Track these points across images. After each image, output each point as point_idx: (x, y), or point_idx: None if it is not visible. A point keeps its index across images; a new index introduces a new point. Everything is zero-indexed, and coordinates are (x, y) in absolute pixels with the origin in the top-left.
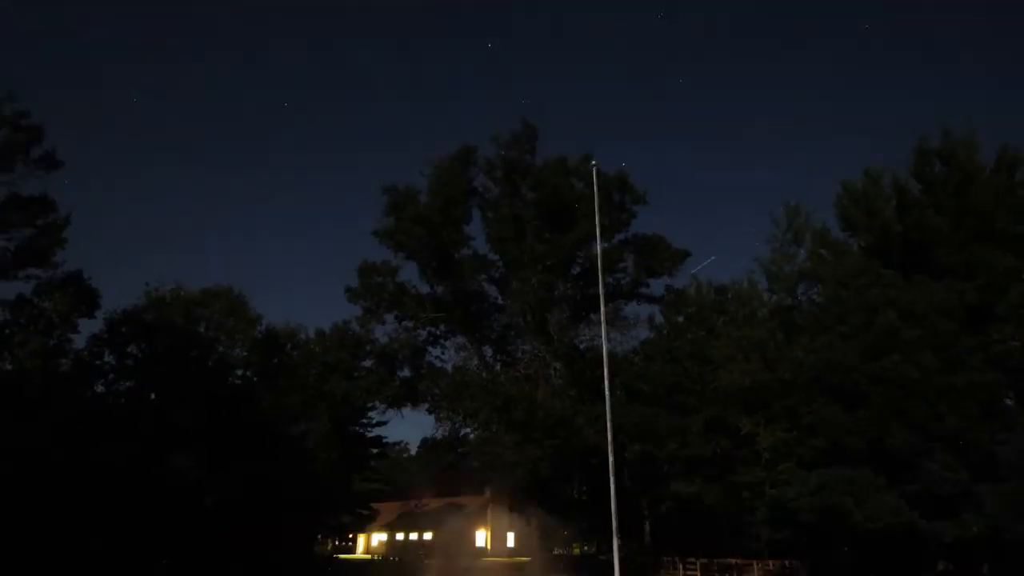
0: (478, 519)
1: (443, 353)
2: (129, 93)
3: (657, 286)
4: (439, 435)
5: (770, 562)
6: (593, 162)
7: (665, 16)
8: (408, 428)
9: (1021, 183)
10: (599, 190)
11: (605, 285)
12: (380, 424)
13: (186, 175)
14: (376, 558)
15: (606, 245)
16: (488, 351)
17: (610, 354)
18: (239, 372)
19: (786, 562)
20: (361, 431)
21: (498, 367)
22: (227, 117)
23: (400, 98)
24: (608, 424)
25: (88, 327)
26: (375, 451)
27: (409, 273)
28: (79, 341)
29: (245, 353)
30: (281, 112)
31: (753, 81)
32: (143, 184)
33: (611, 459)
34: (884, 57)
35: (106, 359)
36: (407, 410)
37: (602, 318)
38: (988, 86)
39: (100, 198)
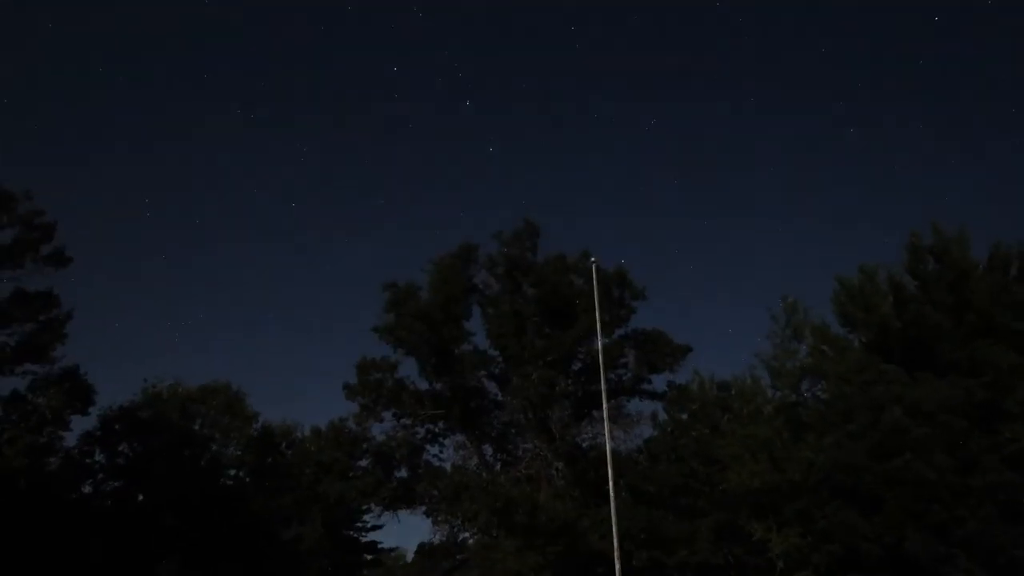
0: None
1: (441, 452)
2: (139, 190)
3: (659, 382)
4: (436, 540)
5: None
6: (592, 259)
7: (655, 124)
8: (404, 533)
9: (1016, 280)
10: (599, 286)
11: (607, 381)
12: (375, 528)
13: (189, 270)
14: None
15: (607, 341)
16: (488, 450)
17: (614, 453)
18: (232, 472)
19: None
20: (355, 536)
21: (498, 467)
22: (231, 216)
23: (401, 196)
24: (614, 529)
25: (83, 424)
26: (369, 557)
27: (408, 369)
28: (72, 439)
29: (239, 452)
30: (287, 212)
31: (745, 175)
32: (147, 277)
33: (617, 566)
34: (872, 154)
35: (96, 458)
36: (404, 512)
37: (604, 415)
38: (976, 180)
39: (104, 291)
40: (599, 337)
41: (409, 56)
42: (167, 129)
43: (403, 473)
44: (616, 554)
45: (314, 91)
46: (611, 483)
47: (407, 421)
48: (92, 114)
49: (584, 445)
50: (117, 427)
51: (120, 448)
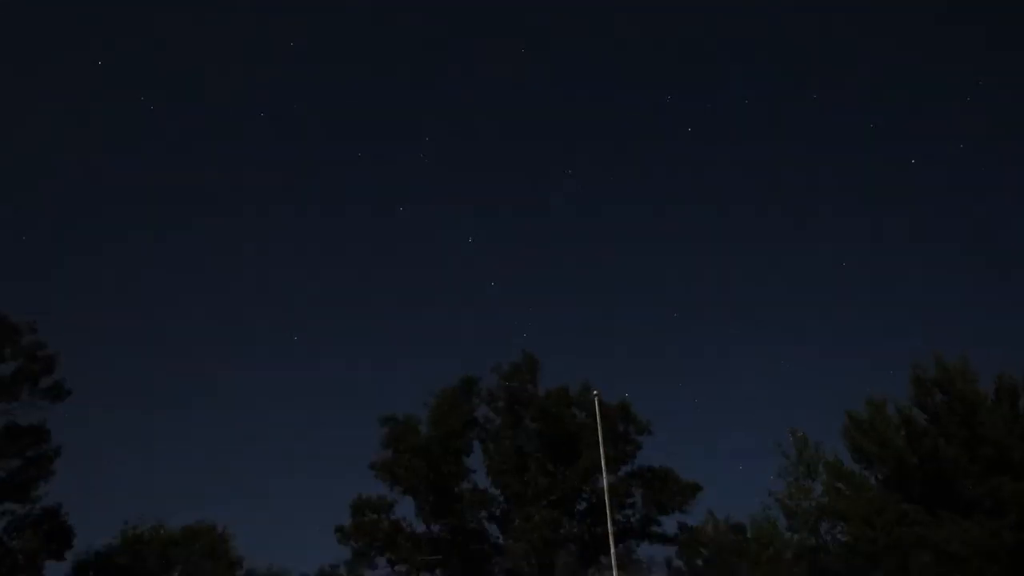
0: None
1: None
2: (130, 326)
3: (669, 524)
4: None
5: None
6: (595, 392)
7: (653, 259)
8: None
9: None
10: (602, 420)
11: (614, 523)
12: None
13: (189, 400)
14: None
15: (612, 479)
16: None
17: None
18: None
19: None
20: None
21: None
22: (226, 346)
23: (400, 328)
24: None
25: (57, 570)
26: None
27: (406, 509)
28: None
29: None
30: (283, 341)
31: (741, 308)
32: (137, 408)
33: None
34: (868, 284)
35: None
36: None
37: (612, 562)
38: (974, 312)
39: (92, 423)
40: (604, 475)
41: (412, 195)
42: (160, 258)
43: None
44: None
45: (315, 222)
46: None
47: (402, 568)
48: (88, 245)
49: None
50: (91, 574)
51: None
